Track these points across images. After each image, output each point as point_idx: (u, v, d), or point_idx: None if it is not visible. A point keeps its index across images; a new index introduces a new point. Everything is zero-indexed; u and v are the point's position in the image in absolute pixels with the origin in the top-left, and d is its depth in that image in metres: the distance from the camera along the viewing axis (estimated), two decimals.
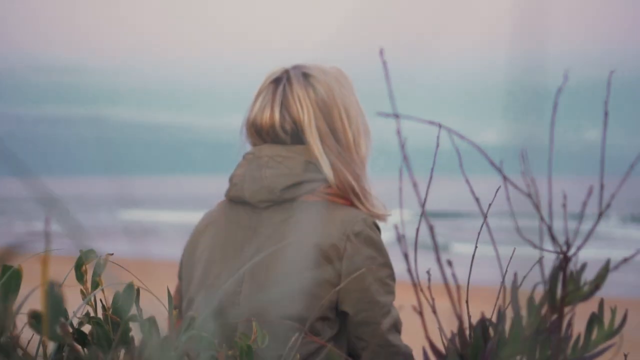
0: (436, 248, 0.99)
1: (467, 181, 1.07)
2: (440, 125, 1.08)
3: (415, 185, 0.99)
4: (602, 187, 0.99)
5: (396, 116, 1.14)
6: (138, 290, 1.20)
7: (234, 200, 1.86)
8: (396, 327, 1.81)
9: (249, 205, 1.84)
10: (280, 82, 1.87)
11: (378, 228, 1.84)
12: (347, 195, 1.83)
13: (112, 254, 1.26)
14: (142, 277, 1.97)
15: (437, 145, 1.12)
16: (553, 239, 0.98)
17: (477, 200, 1.06)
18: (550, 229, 0.99)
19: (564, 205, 1.01)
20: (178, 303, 1.93)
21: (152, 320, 1.17)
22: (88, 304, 1.24)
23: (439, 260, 1.01)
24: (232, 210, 1.87)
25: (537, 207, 0.99)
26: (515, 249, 1.22)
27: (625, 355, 1.46)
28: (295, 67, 1.89)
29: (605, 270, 1.09)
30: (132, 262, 1.98)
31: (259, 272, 1.78)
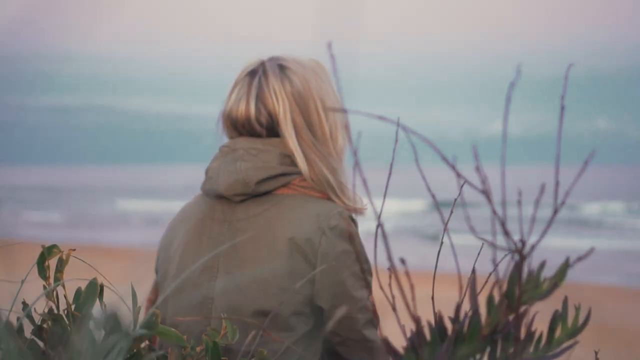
0: (386, 243, 0.98)
1: (422, 174, 1.05)
2: (398, 122, 1.06)
3: (365, 181, 0.97)
4: (557, 183, 0.97)
5: (345, 111, 1.13)
6: (102, 286, 1.19)
7: (209, 193, 1.85)
8: (373, 322, 1.79)
9: (224, 199, 1.83)
10: (256, 74, 1.86)
11: (355, 222, 1.83)
12: (323, 188, 1.82)
13: (75, 249, 1.25)
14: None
15: (396, 141, 1.10)
16: (507, 235, 0.96)
17: (433, 196, 1.04)
18: (503, 225, 0.97)
19: (519, 202, 0.99)
20: (155, 297, 1.92)
21: (113, 316, 1.16)
22: (50, 299, 1.22)
23: (391, 258, 0.99)
24: (207, 203, 1.86)
25: (490, 202, 0.97)
26: (483, 244, 1.20)
27: (596, 353, 1.44)
28: (272, 59, 1.88)
29: (564, 267, 1.07)
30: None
31: (233, 267, 1.77)
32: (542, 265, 1.07)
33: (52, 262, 1.29)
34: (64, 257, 1.25)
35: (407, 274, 1.05)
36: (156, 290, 1.94)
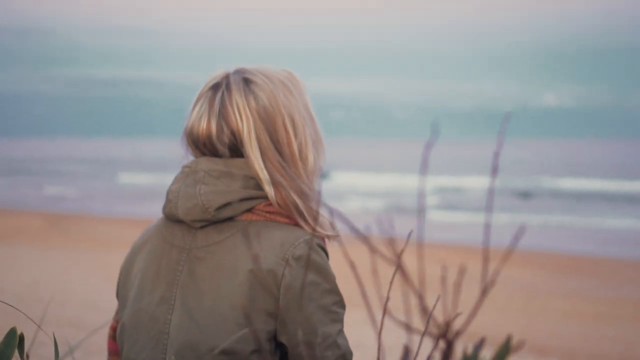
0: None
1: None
2: None
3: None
4: (486, 259, 0.89)
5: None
6: (21, 337, 1.14)
7: (169, 217, 1.71)
8: (345, 359, 1.63)
9: (184, 224, 1.69)
10: (219, 88, 1.70)
11: (325, 250, 1.67)
12: (290, 213, 1.66)
13: None
14: None
15: None
16: (428, 318, 0.85)
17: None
18: (425, 308, 0.86)
19: (442, 278, 0.90)
20: (117, 325, 1.79)
21: None
22: None
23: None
24: (168, 228, 1.72)
25: (409, 283, 0.87)
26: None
27: None
28: (237, 72, 1.72)
29: (504, 349, 0.94)
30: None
31: (191, 299, 1.63)
32: (480, 345, 0.94)
33: None
34: None
35: None
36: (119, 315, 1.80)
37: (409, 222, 23.32)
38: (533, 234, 19.79)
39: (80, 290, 10.08)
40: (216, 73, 1.73)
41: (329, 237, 1.70)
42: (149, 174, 41.43)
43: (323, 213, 1.71)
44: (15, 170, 47.78)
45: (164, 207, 1.71)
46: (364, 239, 0.86)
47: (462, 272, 0.82)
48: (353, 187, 35.73)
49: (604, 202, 29.14)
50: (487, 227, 0.82)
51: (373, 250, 0.86)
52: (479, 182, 36.70)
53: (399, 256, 0.86)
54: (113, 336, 1.78)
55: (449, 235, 18.93)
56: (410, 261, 13.68)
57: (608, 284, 12.57)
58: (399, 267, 0.85)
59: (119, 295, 1.78)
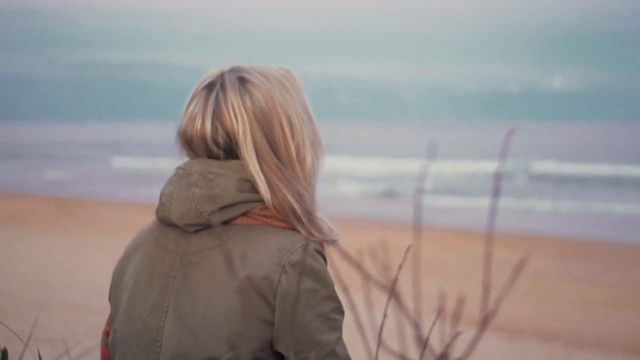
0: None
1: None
2: None
3: None
4: (487, 289, 0.84)
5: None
6: (4, 352, 1.10)
7: (163, 221, 1.65)
8: None
9: (178, 228, 1.63)
10: (214, 87, 1.63)
11: (323, 255, 1.61)
12: (287, 217, 1.60)
13: None
14: None
15: None
16: (424, 347, 0.80)
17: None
18: (420, 336, 0.81)
19: (439, 313, 0.85)
20: (109, 330, 1.73)
21: None
22: None
23: None
24: (161, 231, 1.65)
25: (404, 311, 0.82)
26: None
27: None
28: (232, 70, 1.66)
29: None
30: None
31: (184, 306, 1.58)
32: None
33: None
34: None
35: None
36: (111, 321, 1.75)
37: (410, 207, 23.23)
38: (540, 218, 19.74)
39: (85, 274, 10.09)
40: (210, 71, 1.68)
41: (327, 241, 1.64)
42: (158, 158, 41.42)
43: (321, 216, 1.66)
44: (17, 154, 47.94)
45: (157, 211, 1.65)
46: (357, 265, 0.81)
47: (460, 302, 0.77)
48: (352, 171, 35.70)
49: (611, 186, 29.06)
50: (488, 258, 0.77)
51: (366, 277, 0.81)
52: (484, 167, 36.62)
53: (393, 285, 0.82)
54: (106, 341, 1.73)
55: (452, 220, 18.89)
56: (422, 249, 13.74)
57: (616, 268, 12.53)
58: (393, 295, 0.80)
59: (111, 299, 1.72)
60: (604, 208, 21.75)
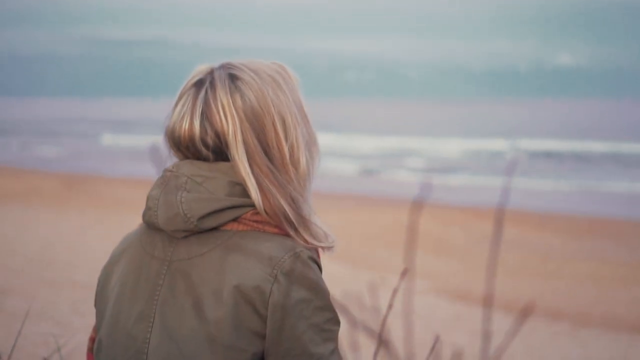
0: None
1: None
2: None
3: None
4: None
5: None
6: None
7: (149, 226, 1.56)
8: None
9: (165, 233, 1.55)
10: (203, 85, 1.55)
11: (318, 263, 1.52)
12: (279, 223, 1.52)
13: None
14: None
15: None
16: None
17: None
18: None
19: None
20: (95, 337, 1.66)
21: None
22: None
23: None
24: (148, 237, 1.57)
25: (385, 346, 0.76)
26: None
27: None
28: (223, 67, 1.56)
29: None
30: None
31: (171, 317, 1.50)
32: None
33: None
34: None
35: None
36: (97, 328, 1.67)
37: (413, 184, 23.24)
38: (548, 195, 19.69)
39: (91, 251, 10.09)
40: (200, 68, 1.59)
41: (323, 248, 1.56)
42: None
43: (316, 221, 1.57)
44: (16, 131, 48.03)
45: (144, 215, 1.56)
46: (344, 310, 0.76)
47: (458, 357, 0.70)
48: (357, 149, 35.64)
49: (621, 164, 28.96)
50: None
51: (353, 323, 0.76)
52: (492, 145, 36.53)
53: (381, 331, 0.77)
54: (92, 348, 1.67)
55: (457, 198, 18.85)
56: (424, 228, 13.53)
57: (625, 246, 12.48)
58: (382, 343, 0.75)
59: (96, 305, 1.64)
60: (612, 185, 21.67)
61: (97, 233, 11.63)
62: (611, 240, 12.91)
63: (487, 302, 0.76)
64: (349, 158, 30.77)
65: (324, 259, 1.65)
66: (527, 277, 10.21)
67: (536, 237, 12.86)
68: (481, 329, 7.64)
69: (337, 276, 9.69)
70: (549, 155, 33.08)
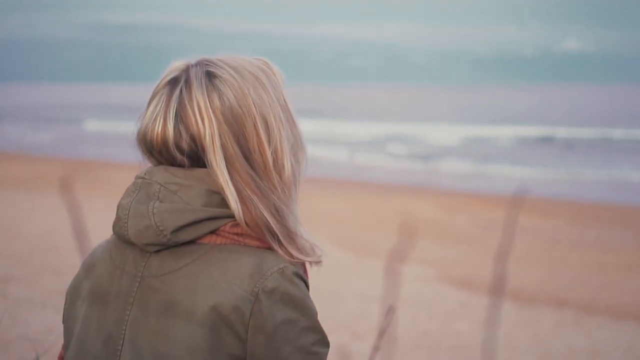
0: None
1: None
2: None
3: None
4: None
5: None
6: None
7: (120, 237, 1.42)
8: None
9: (137, 246, 1.40)
10: (177, 84, 1.40)
11: (304, 279, 1.39)
12: (262, 235, 1.38)
13: None
14: None
15: None
16: None
17: None
18: None
19: None
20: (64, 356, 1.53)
21: None
22: None
23: None
24: (119, 249, 1.43)
25: None
26: None
27: None
28: (199, 64, 1.42)
29: None
30: None
31: (142, 339, 1.37)
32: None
33: None
34: None
35: None
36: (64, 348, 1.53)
37: (419, 170, 23.16)
38: (554, 182, 19.59)
39: (95, 237, 10.03)
40: (175, 64, 1.44)
41: (310, 262, 1.43)
42: None
43: (303, 233, 1.43)
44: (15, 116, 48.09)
45: (114, 226, 1.42)
46: None
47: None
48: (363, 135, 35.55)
49: (628, 150, 28.82)
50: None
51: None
52: (500, 132, 36.39)
53: None
54: None
55: (465, 184, 18.77)
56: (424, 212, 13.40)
57: (630, 233, 12.40)
58: None
59: (64, 322, 1.51)
60: (619, 172, 21.56)
61: (103, 218, 11.60)
62: (616, 228, 12.84)
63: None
64: (346, 145, 30.70)
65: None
66: (533, 264, 10.15)
67: (542, 225, 12.79)
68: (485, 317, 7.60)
69: (343, 264, 9.65)
70: (556, 141, 32.91)
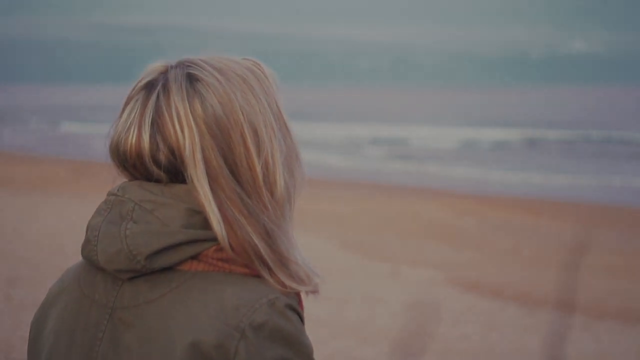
0: None
1: None
2: None
3: None
4: None
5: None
6: None
7: (89, 262, 1.26)
8: None
9: (108, 272, 1.23)
10: (154, 88, 1.22)
11: (298, 312, 1.22)
12: (249, 262, 1.21)
13: None
14: None
15: None
16: None
17: None
18: None
19: None
20: None
21: None
22: None
23: None
24: (88, 276, 1.27)
25: None
26: None
27: None
28: (180, 65, 1.24)
29: None
30: None
31: None
32: None
33: None
34: None
35: None
36: None
37: (414, 169, 23.10)
38: (562, 184, 19.51)
39: None
40: (152, 66, 1.26)
41: (306, 292, 1.26)
42: None
43: (297, 259, 1.25)
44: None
45: (82, 249, 1.25)
46: None
47: None
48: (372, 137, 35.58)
49: (637, 152, 28.71)
50: None
51: None
52: (505, 134, 36.33)
53: None
54: None
55: (472, 186, 18.73)
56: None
57: None
58: None
59: (28, 356, 1.35)
60: (631, 175, 21.45)
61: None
62: (625, 230, 12.75)
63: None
64: (350, 146, 30.69)
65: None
66: (541, 267, 10.07)
67: (549, 227, 12.71)
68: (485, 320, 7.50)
69: (349, 267, 9.59)
70: (563, 143, 32.84)
